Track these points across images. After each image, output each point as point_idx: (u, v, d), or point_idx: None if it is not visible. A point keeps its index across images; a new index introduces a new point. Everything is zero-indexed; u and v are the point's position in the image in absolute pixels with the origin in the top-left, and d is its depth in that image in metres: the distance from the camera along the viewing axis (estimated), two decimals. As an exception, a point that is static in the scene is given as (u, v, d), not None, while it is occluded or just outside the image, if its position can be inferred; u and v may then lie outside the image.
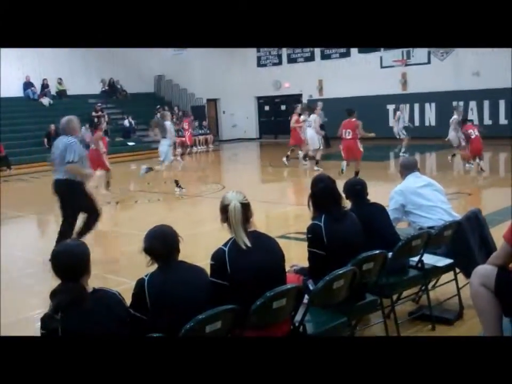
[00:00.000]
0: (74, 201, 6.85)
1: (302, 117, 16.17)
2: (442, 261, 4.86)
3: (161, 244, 3.17)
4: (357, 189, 4.68)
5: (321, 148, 15.69)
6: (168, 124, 12.71)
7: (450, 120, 15.29)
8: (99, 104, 24.04)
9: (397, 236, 4.67)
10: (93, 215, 7.04)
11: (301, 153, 16.50)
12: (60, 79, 24.51)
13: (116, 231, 9.31)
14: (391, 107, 22.55)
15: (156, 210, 10.98)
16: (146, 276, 3.12)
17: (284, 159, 16.44)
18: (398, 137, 17.68)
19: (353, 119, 12.74)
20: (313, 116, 15.80)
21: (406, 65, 22.79)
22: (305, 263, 4.17)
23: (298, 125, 16.16)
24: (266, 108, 28.36)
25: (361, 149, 12.78)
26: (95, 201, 7.17)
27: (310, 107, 17.61)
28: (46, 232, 10.28)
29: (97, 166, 11.25)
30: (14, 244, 8.88)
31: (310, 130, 15.63)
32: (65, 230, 6.79)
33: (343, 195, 4.38)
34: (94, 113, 23.22)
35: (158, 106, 25.21)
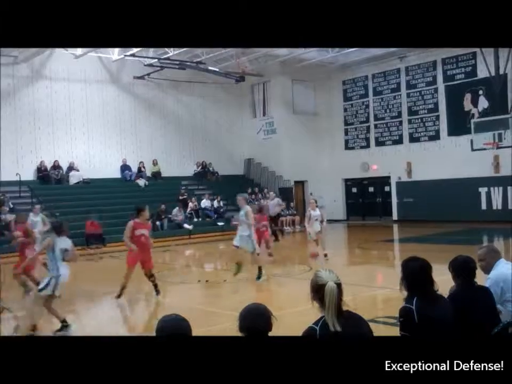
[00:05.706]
0: None
1: None
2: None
3: (261, 322, 3.17)
4: (470, 267, 4.38)
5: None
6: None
7: None
8: (183, 188, 25.09)
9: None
10: None
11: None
12: (155, 160, 25.81)
13: (204, 309, 9.41)
14: (483, 190, 21.97)
15: (243, 290, 11.06)
16: None
17: None
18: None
19: None
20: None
21: (498, 148, 22.24)
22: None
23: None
24: (354, 189, 28.34)
25: None
26: None
27: None
28: (135, 308, 10.54)
29: None
30: (105, 319, 9.14)
31: None
32: None
33: (451, 273, 4.22)
34: (180, 197, 24.08)
35: (249, 190, 25.86)
